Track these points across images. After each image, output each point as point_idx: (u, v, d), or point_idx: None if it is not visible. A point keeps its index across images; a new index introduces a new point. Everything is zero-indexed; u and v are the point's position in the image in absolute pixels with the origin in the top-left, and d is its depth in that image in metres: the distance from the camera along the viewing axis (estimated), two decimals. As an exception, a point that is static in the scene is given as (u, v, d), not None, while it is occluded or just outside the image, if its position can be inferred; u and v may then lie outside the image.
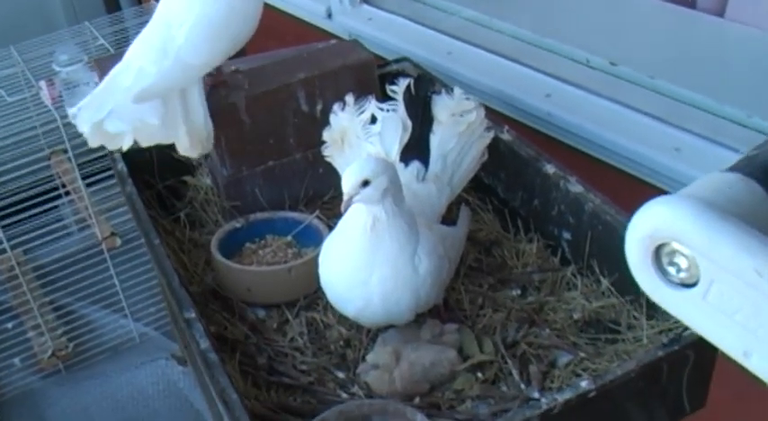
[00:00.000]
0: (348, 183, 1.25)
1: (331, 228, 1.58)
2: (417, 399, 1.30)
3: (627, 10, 2.08)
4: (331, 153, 1.55)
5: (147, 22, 1.40)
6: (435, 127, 1.49)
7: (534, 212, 1.57)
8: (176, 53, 1.39)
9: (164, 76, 1.38)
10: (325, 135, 1.55)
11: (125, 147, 1.45)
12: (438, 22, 2.16)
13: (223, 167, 1.63)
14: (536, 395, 1.26)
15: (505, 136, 1.61)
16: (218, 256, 1.54)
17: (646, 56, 1.86)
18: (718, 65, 1.82)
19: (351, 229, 1.31)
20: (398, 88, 1.53)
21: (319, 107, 1.66)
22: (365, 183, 1.24)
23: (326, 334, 1.45)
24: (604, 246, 1.42)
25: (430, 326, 1.39)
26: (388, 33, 2.15)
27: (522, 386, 1.29)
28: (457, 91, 1.53)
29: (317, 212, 1.63)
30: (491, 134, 1.53)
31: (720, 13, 1.96)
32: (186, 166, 1.78)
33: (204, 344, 1.26)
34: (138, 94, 1.36)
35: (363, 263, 1.29)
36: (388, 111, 1.51)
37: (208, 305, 1.51)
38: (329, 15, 2.38)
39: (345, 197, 1.25)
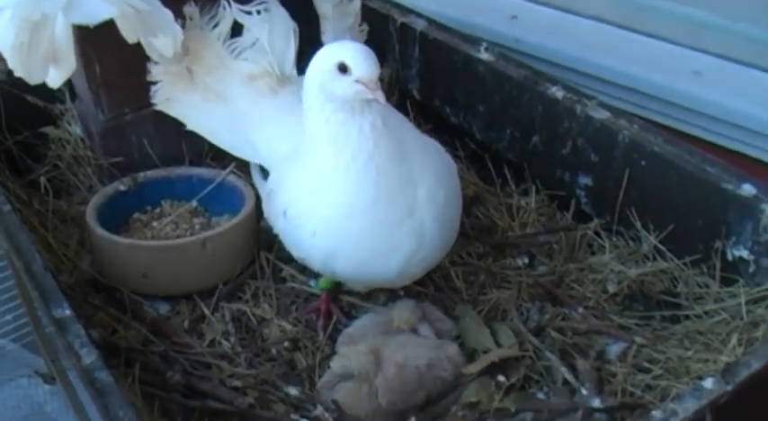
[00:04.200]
0: (374, 64, 0.87)
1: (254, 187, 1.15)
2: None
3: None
4: (170, 94, 1.12)
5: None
6: (324, 26, 1.13)
7: (531, 154, 1.18)
8: None
9: None
10: (157, 72, 1.12)
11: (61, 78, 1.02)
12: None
13: (98, 110, 1.22)
14: (597, 403, 0.86)
15: (484, 55, 1.20)
16: (98, 230, 1.10)
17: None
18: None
19: (346, 144, 0.89)
20: None
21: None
22: None
23: (263, 332, 1.04)
24: (650, 190, 1.03)
25: (409, 306, 0.98)
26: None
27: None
28: None
29: (233, 166, 1.19)
30: (365, 27, 1.19)
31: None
32: (46, 115, 1.30)
33: (90, 357, 0.81)
34: None
35: (398, 178, 0.89)
36: (259, 12, 1.10)
37: (87, 300, 1.08)
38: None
39: (378, 82, 0.87)
